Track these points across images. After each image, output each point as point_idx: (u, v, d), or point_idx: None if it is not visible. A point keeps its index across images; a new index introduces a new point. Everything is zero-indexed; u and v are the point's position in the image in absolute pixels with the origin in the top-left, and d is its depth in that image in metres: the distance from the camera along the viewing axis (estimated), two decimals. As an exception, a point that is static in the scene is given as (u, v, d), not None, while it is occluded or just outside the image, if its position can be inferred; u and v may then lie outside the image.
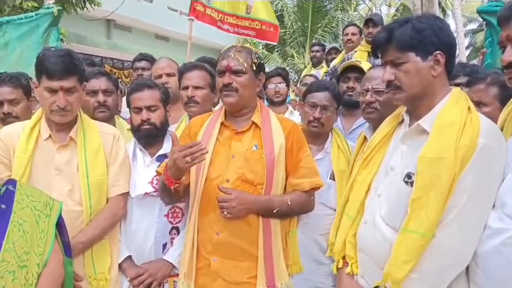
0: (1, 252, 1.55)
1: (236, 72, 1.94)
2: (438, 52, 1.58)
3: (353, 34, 5.02)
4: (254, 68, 1.97)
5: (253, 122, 2.00)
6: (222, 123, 2.02)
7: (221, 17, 4.86)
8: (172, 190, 1.86)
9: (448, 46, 1.60)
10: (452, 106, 1.58)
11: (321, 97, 2.37)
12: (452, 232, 1.49)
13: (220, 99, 2.06)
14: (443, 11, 25.37)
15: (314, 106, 2.36)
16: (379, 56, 1.70)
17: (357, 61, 2.95)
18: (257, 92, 2.06)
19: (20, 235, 1.61)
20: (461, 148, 1.47)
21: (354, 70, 2.77)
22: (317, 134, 2.35)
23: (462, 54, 20.88)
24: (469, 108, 1.57)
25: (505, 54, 1.52)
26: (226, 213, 1.86)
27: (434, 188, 1.49)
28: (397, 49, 1.60)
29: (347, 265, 1.79)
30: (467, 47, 25.47)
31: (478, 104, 1.85)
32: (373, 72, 2.26)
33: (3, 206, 1.64)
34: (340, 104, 2.47)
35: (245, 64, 1.95)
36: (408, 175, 1.60)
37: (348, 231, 1.80)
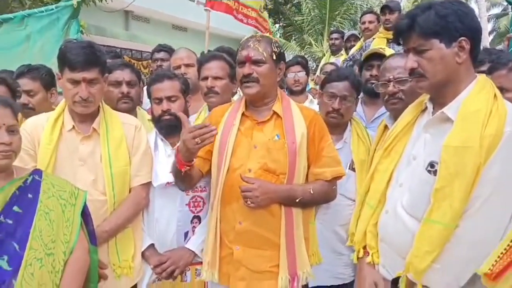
0: (29, 240, 1.60)
1: (256, 62, 1.93)
2: (462, 38, 1.53)
3: (370, 22, 4.94)
4: (274, 57, 1.96)
5: (274, 112, 1.99)
6: (243, 113, 2.02)
7: (236, 7, 4.86)
8: (183, 173, 1.87)
9: (473, 32, 1.56)
10: (478, 93, 1.55)
11: (340, 87, 2.32)
12: (476, 222, 1.46)
13: (239, 89, 2.06)
14: (465, -5, 24.64)
15: (333, 96, 2.31)
16: (401, 43, 1.66)
17: (381, 48, 2.90)
18: (278, 82, 2.04)
19: (46, 224, 1.66)
20: (487, 136, 1.44)
21: (378, 57, 2.71)
22: (336, 124, 2.31)
23: (485, 40, 20.34)
24: (495, 95, 1.54)
25: None
26: (249, 202, 1.87)
27: (459, 178, 1.46)
28: (420, 36, 1.56)
29: (368, 255, 1.78)
30: (490, 32, 24.78)
31: (501, 90, 1.80)
32: (392, 61, 2.20)
33: (30, 195, 1.68)
34: (360, 93, 2.42)
35: (265, 54, 1.94)
36: (431, 164, 1.57)
37: (369, 221, 1.79)
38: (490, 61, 2.13)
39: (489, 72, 1.98)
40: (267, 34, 2.16)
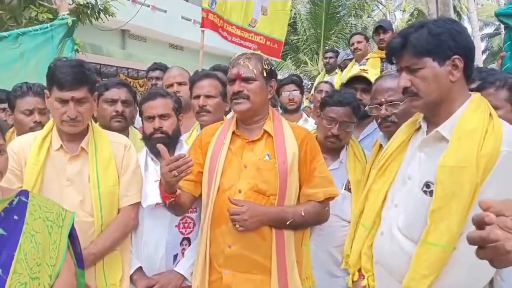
0: (13, 264, 1.54)
1: (247, 80, 1.92)
2: (456, 56, 1.52)
3: (358, 42, 5.03)
4: (265, 74, 1.95)
5: (265, 131, 1.96)
6: (233, 132, 1.99)
7: (221, 24, 4.81)
8: (167, 204, 1.85)
9: (467, 50, 1.55)
10: (473, 112, 1.53)
11: (341, 112, 2.26)
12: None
13: (231, 108, 2.04)
14: (458, 15, 25.09)
15: (333, 121, 2.26)
16: (394, 62, 1.65)
17: (363, 70, 2.89)
18: (269, 99, 2.02)
19: (32, 246, 1.60)
20: (483, 156, 1.42)
21: (361, 81, 2.70)
22: (333, 148, 2.27)
23: (478, 59, 20.62)
24: (490, 114, 1.52)
25: None
26: (238, 226, 1.82)
27: (455, 198, 1.43)
28: (413, 55, 1.55)
29: (363, 278, 1.74)
30: (483, 51, 25.14)
31: None
32: (383, 83, 2.16)
33: (15, 217, 1.63)
34: (359, 116, 2.39)
35: (255, 71, 1.92)
36: (427, 184, 1.54)
37: (364, 243, 1.75)
38: (480, 79, 2.12)
39: (477, 91, 1.97)
40: (258, 52, 2.14)
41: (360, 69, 3.09)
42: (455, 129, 1.51)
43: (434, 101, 1.56)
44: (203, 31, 4.70)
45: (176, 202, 1.86)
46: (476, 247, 1.37)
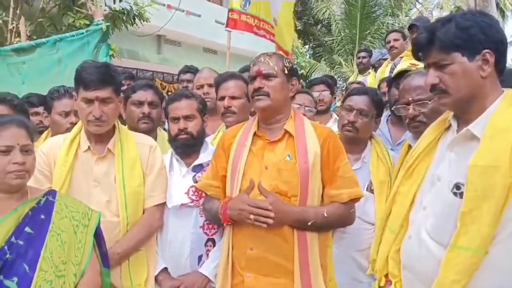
0: (39, 261, 1.59)
1: (267, 76, 1.91)
2: (486, 51, 1.44)
3: (395, 40, 4.93)
4: (286, 71, 1.93)
5: (286, 131, 1.93)
6: (255, 133, 1.97)
7: (257, 23, 4.89)
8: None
9: (498, 43, 1.46)
10: (506, 109, 1.44)
11: (358, 100, 2.26)
12: (508, 249, 1.35)
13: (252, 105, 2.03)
14: (502, 11, 24.07)
15: (350, 109, 2.26)
16: (421, 59, 1.58)
17: (412, 65, 2.80)
18: (291, 98, 2.00)
19: (58, 245, 1.65)
20: None
21: None
22: (351, 140, 2.22)
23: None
24: (525, 111, 1.43)
25: None
26: (262, 223, 1.79)
27: (487, 200, 1.36)
28: (440, 50, 1.48)
29: (390, 284, 1.67)
30: None
31: None
32: (411, 81, 2.09)
33: (42, 216, 1.68)
34: (381, 111, 2.34)
35: (276, 68, 1.91)
36: (457, 186, 1.46)
37: (391, 247, 1.68)
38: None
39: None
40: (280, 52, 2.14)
41: (410, 64, 2.99)
42: (487, 127, 1.43)
43: (464, 98, 1.49)
44: (229, 32, 4.74)
45: None
46: (510, 251, 1.30)
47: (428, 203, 1.58)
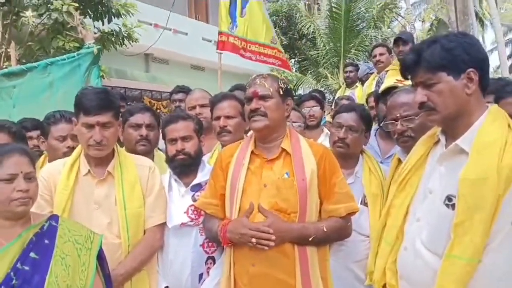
0: (45, 286, 1.61)
1: (263, 97, 1.97)
2: (470, 69, 1.53)
3: (381, 54, 4.99)
4: (281, 92, 1.99)
5: (283, 149, 1.99)
6: (252, 152, 2.03)
7: (243, 45, 4.98)
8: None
9: (480, 62, 1.56)
10: (491, 124, 1.53)
11: (347, 117, 2.35)
12: (500, 256, 1.41)
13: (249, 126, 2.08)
14: (481, 21, 24.67)
15: (340, 126, 2.34)
16: (409, 78, 1.66)
17: (398, 81, 2.88)
18: (286, 118, 2.06)
19: (62, 269, 1.67)
20: (505, 167, 1.41)
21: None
22: (343, 155, 2.29)
23: (504, 65, 20.15)
24: (509, 125, 1.51)
25: None
26: (263, 245, 1.84)
27: (478, 211, 1.42)
28: (427, 70, 1.56)
29: (389, 294, 1.72)
30: (509, 57, 24.58)
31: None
32: (397, 98, 2.18)
33: (46, 241, 1.70)
34: (370, 126, 2.42)
35: (271, 89, 1.97)
36: (449, 198, 1.53)
37: (388, 258, 1.73)
38: (497, 89, 2.10)
39: (495, 101, 1.96)
40: (274, 73, 2.21)
41: (396, 80, 3.08)
42: (475, 142, 1.50)
43: (452, 115, 1.57)
44: (220, 54, 4.83)
45: None
46: (503, 260, 1.36)
47: (421, 215, 1.64)
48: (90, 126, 2.03)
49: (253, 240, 1.80)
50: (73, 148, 2.55)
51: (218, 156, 2.20)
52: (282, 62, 5.25)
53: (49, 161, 2.55)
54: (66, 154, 2.50)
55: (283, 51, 5.29)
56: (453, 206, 1.51)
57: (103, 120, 2.02)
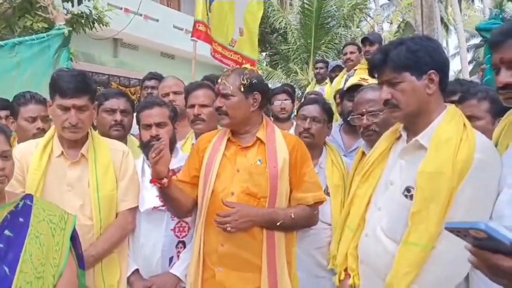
0: (19, 264, 1.62)
1: (225, 96, 2.04)
2: (432, 71, 1.65)
3: (351, 52, 5.13)
4: (243, 89, 2.04)
5: (258, 138, 2.07)
6: (229, 139, 2.10)
7: (213, 44, 5.00)
8: (160, 188, 1.98)
9: (441, 65, 1.68)
10: (448, 122, 1.65)
11: (310, 109, 2.48)
12: (451, 243, 1.50)
13: None
14: (446, 26, 25.54)
15: (304, 118, 2.46)
16: (375, 76, 1.77)
17: (362, 79, 3.01)
18: (256, 110, 2.09)
19: (37, 247, 1.68)
20: (458, 163, 1.53)
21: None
22: (308, 146, 2.35)
23: (465, 69, 21.00)
24: (464, 124, 1.64)
25: (500, 76, 1.57)
26: (229, 228, 1.92)
27: (433, 202, 1.55)
28: (392, 70, 1.67)
29: (349, 277, 1.83)
30: (470, 62, 25.58)
31: (471, 118, 1.93)
32: (364, 94, 2.30)
33: (21, 219, 1.71)
34: (331, 117, 2.55)
35: (232, 87, 2.03)
36: (408, 189, 1.66)
37: (350, 244, 1.85)
38: (461, 91, 2.26)
39: (460, 102, 2.11)
40: (247, 65, 2.27)
41: (360, 78, 3.21)
42: (433, 138, 1.63)
43: (413, 112, 1.69)
44: (195, 41, 4.83)
45: (167, 194, 2.00)
46: (454, 246, 1.48)
47: (382, 205, 1.76)
48: (66, 109, 2.02)
49: (153, 155, 1.87)
50: (43, 129, 2.55)
51: (197, 141, 2.25)
52: (237, 64, 5.26)
53: (19, 142, 2.52)
54: (35, 135, 2.49)
55: (242, 53, 5.31)
56: (411, 196, 1.63)
57: (80, 103, 2.03)
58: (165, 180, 1.93)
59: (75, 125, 2.03)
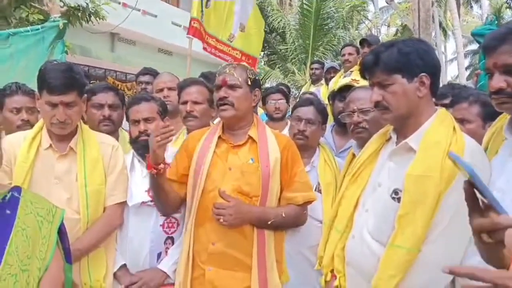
0: (4, 256, 1.61)
1: (232, 86, 2.03)
2: (423, 74, 1.65)
3: (350, 54, 5.15)
4: (249, 83, 2.06)
5: (250, 137, 2.07)
6: (219, 137, 2.09)
7: (204, 35, 4.97)
8: (154, 176, 1.99)
9: (433, 68, 1.68)
10: (438, 126, 1.65)
11: (305, 110, 2.48)
12: (437, 247, 1.54)
13: (217, 114, 2.14)
14: (444, 31, 25.63)
15: (299, 119, 2.47)
16: (367, 78, 1.77)
17: (354, 80, 3.03)
18: (253, 107, 2.13)
19: (23, 240, 1.66)
20: (447, 167, 1.53)
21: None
22: (302, 147, 2.39)
23: (462, 75, 21.09)
24: (454, 128, 1.64)
25: (493, 81, 1.56)
26: (222, 220, 1.91)
27: (420, 205, 1.55)
28: (384, 72, 1.67)
29: (335, 279, 1.83)
30: (467, 68, 25.70)
31: (462, 121, 1.93)
32: (356, 93, 2.32)
33: (8, 211, 1.69)
34: (326, 119, 2.56)
35: (240, 79, 2.04)
36: (395, 191, 1.65)
37: (337, 245, 1.85)
38: (453, 95, 2.27)
39: (451, 105, 2.11)
40: (244, 63, 2.29)
41: (351, 79, 3.22)
42: (422, 141, 1.63)
43: (403, 115, 1.68)
44: (191, 38, 4.82)
45: (159, 184, 2.00)
46: (440, 250, 1.48)
47: (370, 206, 1.75)
48: (54, 105, 2.00)
49: (158, 138, 1.91)
50: (27, 121, 2.52)
51: (185, 139, 2.24)
52: (235, 60, 5.25)
53: (4, 134, 2.49)
54: (20, 127, 2.45)
55: (240, 49, 5.28)
56: (398, 199, 1.63)
57: (67, 100, 2.00)
58: (161, 166, 1.94)
59: (63, 122, 2.02)
